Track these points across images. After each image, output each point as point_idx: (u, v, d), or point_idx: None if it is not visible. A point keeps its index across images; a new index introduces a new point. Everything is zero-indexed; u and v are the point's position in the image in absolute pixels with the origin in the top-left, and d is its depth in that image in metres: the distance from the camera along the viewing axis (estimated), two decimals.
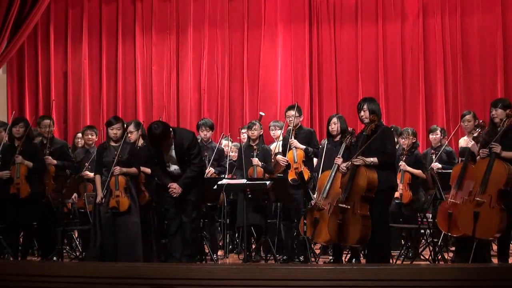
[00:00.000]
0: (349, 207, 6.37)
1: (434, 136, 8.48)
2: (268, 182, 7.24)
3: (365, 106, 6.51)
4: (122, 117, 10.04)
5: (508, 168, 6.22)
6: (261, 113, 9.02)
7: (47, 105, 12.11)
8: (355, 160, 6.39)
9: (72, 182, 7.94)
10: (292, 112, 7.97)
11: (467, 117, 7.85)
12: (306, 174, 7.62)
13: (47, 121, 8.15)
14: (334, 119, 7.57)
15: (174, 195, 6.93)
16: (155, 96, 11.94)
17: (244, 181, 7.45)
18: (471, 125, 7.66)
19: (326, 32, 11.46)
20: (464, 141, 7.91)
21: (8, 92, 12.13)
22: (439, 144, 8.36)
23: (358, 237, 6.34)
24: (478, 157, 6.43)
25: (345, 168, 6.49)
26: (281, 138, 8.31)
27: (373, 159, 6.36)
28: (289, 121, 8.00)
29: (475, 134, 6.75)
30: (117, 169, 6.94)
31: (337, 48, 11.45)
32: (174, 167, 7.05)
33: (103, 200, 6.92)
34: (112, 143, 7.11)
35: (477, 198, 6.23)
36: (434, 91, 11.07)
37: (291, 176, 7.77)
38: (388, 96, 11.24)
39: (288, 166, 7.88)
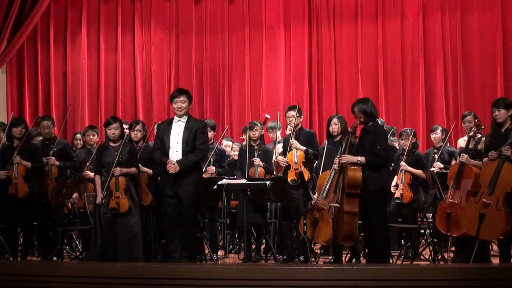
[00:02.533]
0: (338, 205, 6.39)
1: (435, 136, 8.48)
2: (268, 182, 7.23)
3: (356, 109, 6.55)
4: (122, 117, 10.05)
5: None
6: (266, 115, 8.99)
7: (47, 105, 12.13)
8: (340, 158, 6.44)
9: (72, 182, 7.92)
10: (292, 113, 7.93)
11: (468, 118, 7.85)
12: (306, 175, 7.61)
13: (45, 122, 8.14)
14: (335, 120, 7.55)
15: (171, 171, 6.81)
16: (155, 96, 11.95)
17: (244, 181, 7.43)
18: (471, 126, 7.66)
19: (326, 32, 11.46)
20: (464, 142, 7.90)
21: (8, 92, 12.13)
22: (441, 143, 8.35)
23: (343, 235, 6.35)
24: (486, 159, 6.40)
25: (336, 167, 6.53)
26: (280, 139, 8.29)
27: (361, 158, 6.37)
28: (289, 121, 7.97)
29: (471, 134, 6.75)
30: (117, 170, 6.92)
31: (337, 48, 11.46)
32: (175, 158, 6.93)
33: (103, 201, 6.91)
34: (111, 143, 7.09)
35: (484, 199, 6.19)
36: (434, 91, 11.07)
37: (291, 176, 7.75)
38: (388, 96, 11.23)
39: (288, 167, 7.86)
